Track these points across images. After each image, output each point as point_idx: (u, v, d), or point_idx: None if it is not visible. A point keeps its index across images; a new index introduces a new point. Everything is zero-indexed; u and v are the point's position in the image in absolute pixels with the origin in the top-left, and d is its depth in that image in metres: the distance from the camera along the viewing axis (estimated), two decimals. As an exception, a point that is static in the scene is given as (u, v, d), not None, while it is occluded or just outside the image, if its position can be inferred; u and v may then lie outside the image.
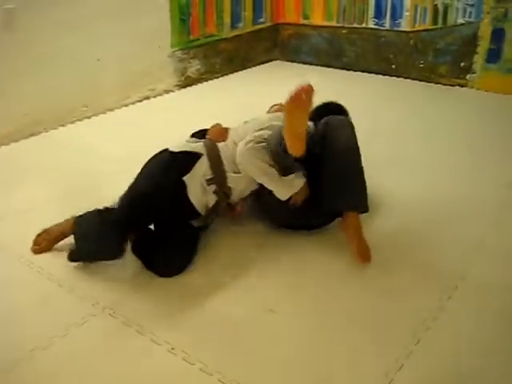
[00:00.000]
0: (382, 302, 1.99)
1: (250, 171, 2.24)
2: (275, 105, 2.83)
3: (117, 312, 1.92)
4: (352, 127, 2.34)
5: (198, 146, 2.31)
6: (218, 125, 2.51)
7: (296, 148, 2.12)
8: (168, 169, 2.24)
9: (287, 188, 2.25)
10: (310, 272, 2.18)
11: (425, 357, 1.72)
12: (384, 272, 2.16)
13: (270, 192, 2.27)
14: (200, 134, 2.46)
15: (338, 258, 2.25)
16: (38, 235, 2.29)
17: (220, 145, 2.33)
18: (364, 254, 2.19)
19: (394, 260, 2.25)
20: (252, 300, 2.01)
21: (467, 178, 2.99)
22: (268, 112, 2.82)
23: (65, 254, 2.17)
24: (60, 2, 3.62)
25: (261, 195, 2.41)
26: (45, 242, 2.28)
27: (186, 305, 2.00)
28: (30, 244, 2.31)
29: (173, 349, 1.75)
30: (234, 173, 2.28)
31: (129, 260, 2.20)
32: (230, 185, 2.28)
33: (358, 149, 2.30)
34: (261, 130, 2.29)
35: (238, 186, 2.31)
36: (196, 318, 1.92)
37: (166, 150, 2.31)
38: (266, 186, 2.26)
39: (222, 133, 2.44)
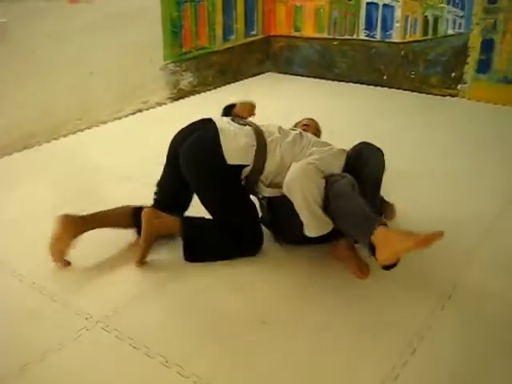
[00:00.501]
0: (377, 312, 1.99)
1: (295, 193, 2.09)
2: (304, 119, 2.84)
3: (110, 326, 1.91)
4: (383, 162, 2.29)
5: (250, 153, 2.23)
6: (248, 104, 2.63)
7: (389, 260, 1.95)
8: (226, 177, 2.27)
9: (319, 227, 2.13)
10: (305, 282, 2.18)
11: (420, 366, 1.71)
12: (378, 281, 2.16)
13: (281, 204, 2.23)
14: (229, 110, 2.62)
15: (332, 268, 2.25)
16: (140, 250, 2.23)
17: (270, 148, 2.26)
18: (365, 271, 2.20)
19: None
20: (246, 312, 2.00)
21: (461, 186, 3.01)
22: (295, 126, 2.77)
23: (58, 269, 2.17)
24: (51, 15, 3.64)
25: (273, 204, 2.38)
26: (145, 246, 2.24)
27: (180, 318, 1.99)
28: (23, 256, 2.31)
29: (167, 362, 1.73)
30: (268, 186, 2.28)
31: (121, 274, 2.21)
32: (257, 190, 2.33)
33: (380, 183, 2.30)
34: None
35: (264, 193, 2.32)
36: (190, 331, 1.91)
37: (219, 149, 2.21)
38: (300, 215, 2.12)
39: (251, 110, 2.58)
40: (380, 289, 2.12)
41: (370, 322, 1.94)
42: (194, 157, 2.28)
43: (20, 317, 1.98)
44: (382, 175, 2.30)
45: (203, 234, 2.27)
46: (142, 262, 2.23)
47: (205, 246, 2.28)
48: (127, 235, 2.39)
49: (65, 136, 3.88)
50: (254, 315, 1.98)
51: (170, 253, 2.34)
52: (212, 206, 2.30)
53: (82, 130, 3.98)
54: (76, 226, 2.23)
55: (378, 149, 2.32)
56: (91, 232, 2.37)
